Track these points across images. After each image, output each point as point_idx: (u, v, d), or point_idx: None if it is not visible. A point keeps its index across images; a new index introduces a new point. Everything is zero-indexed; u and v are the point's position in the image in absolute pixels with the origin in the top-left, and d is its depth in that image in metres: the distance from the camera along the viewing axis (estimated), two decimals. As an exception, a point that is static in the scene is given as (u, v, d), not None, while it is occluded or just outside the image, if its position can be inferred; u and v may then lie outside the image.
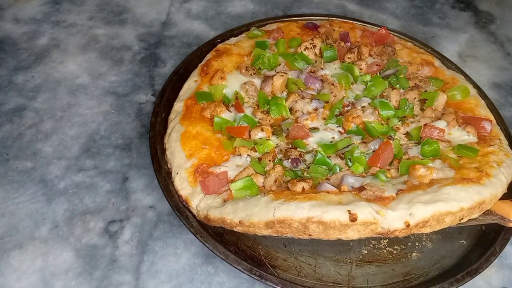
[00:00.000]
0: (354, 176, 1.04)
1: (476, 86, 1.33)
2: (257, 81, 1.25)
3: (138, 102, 1.32)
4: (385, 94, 1.25)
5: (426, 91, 1.27)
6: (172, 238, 1.06)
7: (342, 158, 1.09)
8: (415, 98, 1.24)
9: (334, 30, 1.40)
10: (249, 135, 1.12)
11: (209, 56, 1.30)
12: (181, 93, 1.22)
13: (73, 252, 1.03)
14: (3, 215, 1.08)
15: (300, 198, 0.95)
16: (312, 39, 1.33)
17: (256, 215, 0.95)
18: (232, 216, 0.96)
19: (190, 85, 1.23)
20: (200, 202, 1.02)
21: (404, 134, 1.18)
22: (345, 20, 1.45)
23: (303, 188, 1.00)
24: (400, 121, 1.20)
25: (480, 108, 1.25)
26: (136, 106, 1.31)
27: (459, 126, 1.18)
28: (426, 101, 1.24)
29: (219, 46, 1.33)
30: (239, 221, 0.96)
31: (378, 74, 1.30)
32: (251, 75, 1.25)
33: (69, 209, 1.09)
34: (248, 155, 1.09)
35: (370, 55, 1.36)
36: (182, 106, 1.18)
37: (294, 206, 0.93)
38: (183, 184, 1.04)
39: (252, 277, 0.93)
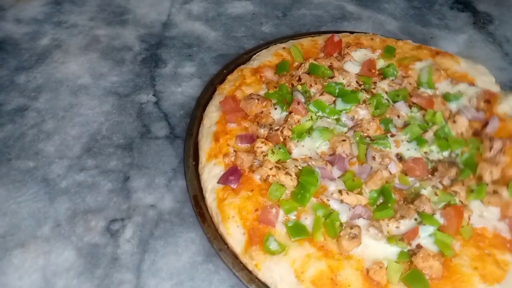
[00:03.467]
0: None
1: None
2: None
3: (139, 102, 1.33)
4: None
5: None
6: (173, 236, 1.06)
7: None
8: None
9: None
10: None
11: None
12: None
13: (75, 251, 1.03)
14: (5, 214, 1.08)
15: None
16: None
17: None
18: None
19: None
20: None
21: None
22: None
23: None
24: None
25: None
26: (137, 106, 1.32)
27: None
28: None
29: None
30: None
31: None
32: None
33: (71, 208, 1.10)
34: None
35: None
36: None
37: None
38: None
39: None
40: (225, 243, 1.01)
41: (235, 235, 1.00)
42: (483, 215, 1.04)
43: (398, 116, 1.19)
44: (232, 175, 1.06)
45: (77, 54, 1.45)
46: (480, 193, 1.05)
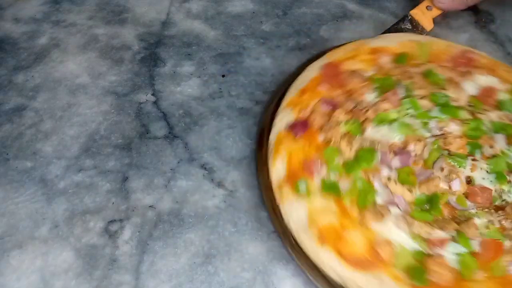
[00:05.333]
0: None
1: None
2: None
3: (138, 102, 1.32)
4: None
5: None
6: (172, 238, 1.06)
7: None
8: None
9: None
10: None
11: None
12: None
13: (73, 252, 1.03)
14: (3, 214, 1.08)
15: None
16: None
17: None
18: None
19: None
20: None
21: None
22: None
23: None
24: None
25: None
26: (136, 106, 1.31)
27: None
28: None
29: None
30: None
31: None
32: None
33: (69, 208, 1.09)
34: None
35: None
36: None
37: None
38: None
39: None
40: (268, 177, 1.08)
41: (277, 169, 1.06)
42: None
43: (491, 147, 1.09)
44: (299, 126, 1.11)
45: (75, 53, 1.44)
46: None
